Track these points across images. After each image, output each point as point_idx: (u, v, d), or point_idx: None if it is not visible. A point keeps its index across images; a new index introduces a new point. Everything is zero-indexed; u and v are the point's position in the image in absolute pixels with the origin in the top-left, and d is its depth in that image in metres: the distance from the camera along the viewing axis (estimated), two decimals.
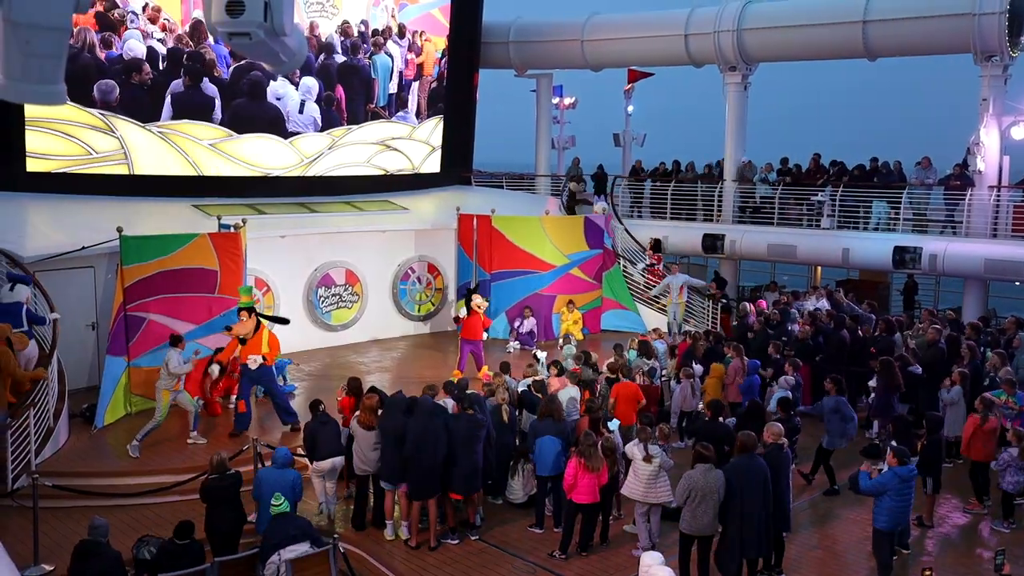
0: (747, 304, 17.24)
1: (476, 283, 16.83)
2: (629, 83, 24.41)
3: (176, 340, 12.08)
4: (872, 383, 13.09)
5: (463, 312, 15.56)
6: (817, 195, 19.78)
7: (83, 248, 13.66)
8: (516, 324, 18.47)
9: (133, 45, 16.22)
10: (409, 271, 19.06)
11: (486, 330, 16.00)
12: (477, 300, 15.56)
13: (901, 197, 19.05)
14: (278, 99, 18.46)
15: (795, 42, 20.12)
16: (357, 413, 10.22)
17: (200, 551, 8.34)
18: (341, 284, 17.90)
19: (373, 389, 10.69)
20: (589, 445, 9.23)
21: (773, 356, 13.83)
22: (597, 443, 9.39)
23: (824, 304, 17.21)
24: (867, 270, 21.62)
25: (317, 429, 10.11)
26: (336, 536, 9.02)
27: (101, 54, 15.86)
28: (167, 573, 7.84)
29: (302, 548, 8.16)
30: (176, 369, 11.75)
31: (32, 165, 15.33)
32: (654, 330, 15.92)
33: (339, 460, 10.18)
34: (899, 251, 18.20)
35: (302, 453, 10.45)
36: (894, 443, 9.47)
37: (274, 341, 12.70)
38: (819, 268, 22.71)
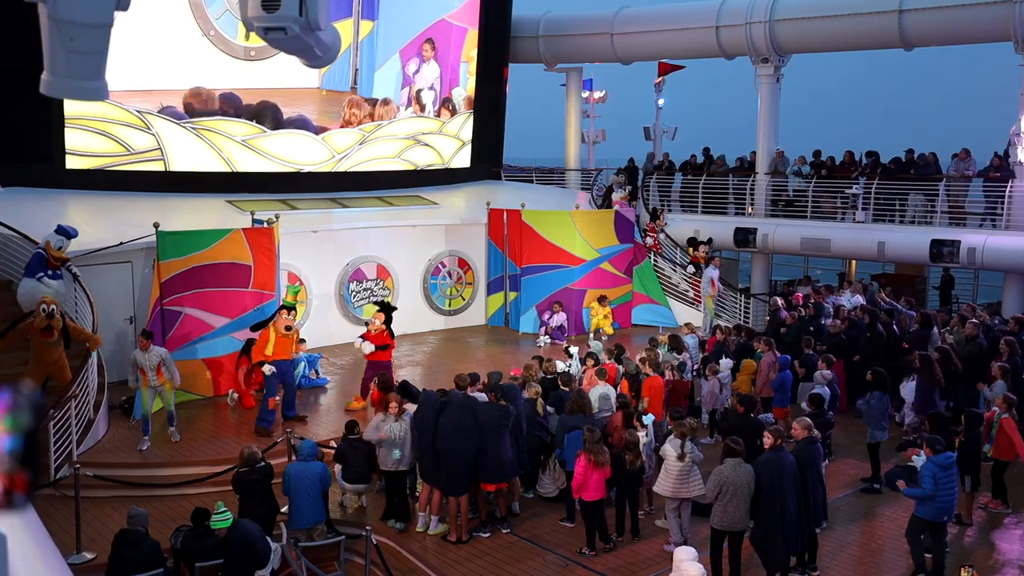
0: (777, 298, 17.10)
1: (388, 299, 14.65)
2: (660, 76, 24.26)
3: (147, 335, 11.92)
4: (904, 384, 12.89)
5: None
6: (851, 188, 19.53)
7: (121, 243, 13.89)
8: (546, 318, 18.47)
9: None
10: (440, 266, 19.13)
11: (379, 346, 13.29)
12: (375, 323, 13.25)
13: (938, 189, 18.75)
14: None
15: (829, 33, 19.85)
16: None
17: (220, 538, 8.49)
18: (372, 279, 18.02)
19: (404, 384, 10.75)
20: (595, 442, 9.20)
21: (806, 352, 13.70)
22: (602, 438, 9.37)
23: (858, 299, 17.01)
24: (903, 264, 21.32)
25: (347, 452, 10.16)
26: (368, 528, 9.11)
27: None
28: (203, 562, 7.99)
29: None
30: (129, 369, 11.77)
31: (72, 162, 15.61)
32: (686, 325, 15.84)
33: (365, 487, 10.34)
34: (936, 244, 17.91)
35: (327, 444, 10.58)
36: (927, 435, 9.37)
37: (282, 342, 12.54)
38: (853, 262, 22.44)
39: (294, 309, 13.09)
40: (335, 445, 10.66)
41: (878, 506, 10.75)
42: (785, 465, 8.41)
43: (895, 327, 14.70)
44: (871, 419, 11.31)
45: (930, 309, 17.48)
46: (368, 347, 12.91)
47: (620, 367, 12.60)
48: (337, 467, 10.31)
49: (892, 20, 18.70)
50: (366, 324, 13.71)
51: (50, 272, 12.32)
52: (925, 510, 8.63)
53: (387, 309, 13.40)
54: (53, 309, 11.24)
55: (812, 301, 16.36)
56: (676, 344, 13.63)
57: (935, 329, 14.63)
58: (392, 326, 13.32)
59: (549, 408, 10.82)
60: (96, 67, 3.61)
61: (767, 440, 8.69)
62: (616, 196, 20.96)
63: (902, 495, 9.26)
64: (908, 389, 12.82)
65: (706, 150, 23.22)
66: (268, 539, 8.36)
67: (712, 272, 18.65)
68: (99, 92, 3.76)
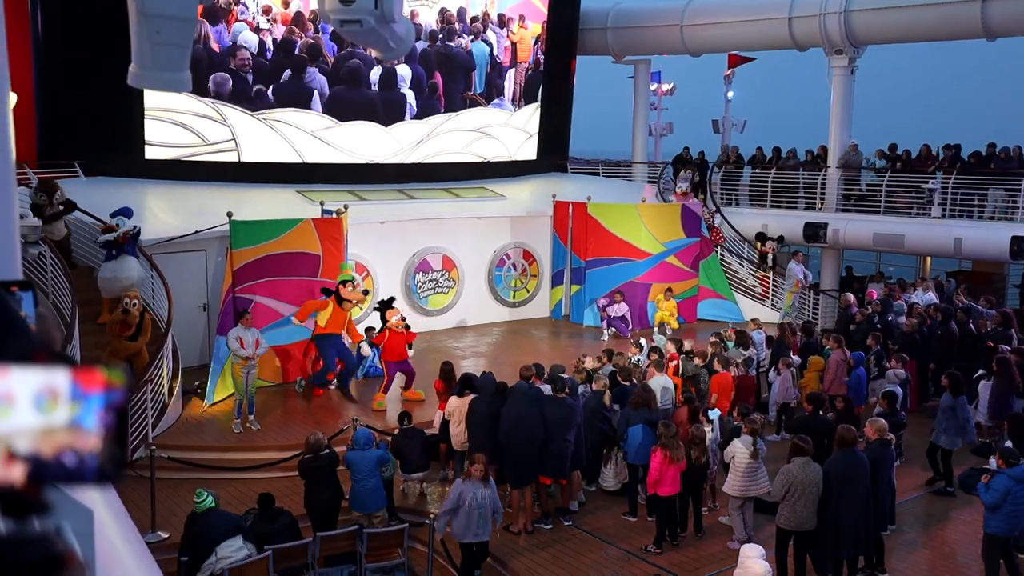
0: (849, 294, 16.73)
1: (390, 296, 14.39)
2: (729, 68, 23.87)
3: (240, 315, 12.29)
4: (982, 384, 12.46)
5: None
6: (928, 182, 18.95)
7: (196, 232, 14.28)
8: (603, 303, 18.19)
9: (247, 37, 16.83)
10: (504, 257, 19.19)
11: (409, 346, 13.40)
12: (394, 318, 13.18)
13: (1020, 184, 18.05)
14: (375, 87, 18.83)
15: (907, 23, 19.25)
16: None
17: (293, 521, 8.68)
18: (438, 270, 18.18)
19: (466, 376, 10.81)
20: (671, 436, 9.12)
21: (873, 348, 13.35)
22: (678, 433, 9.29)
23: (931, 296, 16.52)
24: (981, 261, 20.61)
25: (402, 443, 10.28)
26: (431, 516, 9.23)
27: (215, 46, 16.50)
28: (271, 545, 8.19)
29: (236, 544, 7.97)
30: (234, 346, 11.95)
31: (150, 153, 16.10)
32: (753, 320, 15.61)
33: (423, 475, 10.47)
34: (1017, 241, 17.26)
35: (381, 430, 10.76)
36: (1008, 444, 9.03)
37: (337, 316, 12.84)
38: (928, 259, 21.78)
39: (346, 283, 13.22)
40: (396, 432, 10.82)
41: (951, 510, 10.45)
42: (857, 465, 8.23)
43: (971, 326, 14.23)
44: (949, 426, 10.91)
45: (1008, 308, 16.87)
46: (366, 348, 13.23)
47: (682, 356, 12.50)
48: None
49: (975, 9, 18.03)
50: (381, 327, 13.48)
51: (125, 247, 12.71)
52: (995, 524, 8.32)
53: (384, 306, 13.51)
54: (134, 304, 11.65)
55: (882, 297, 15.97)
56: (742, 339, 13.44)
57: (1014, 329, 14.12)
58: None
59: (614, 406, 10.78)
60: (180, 59, 3.74)
61: (871, 433, 8.57)
62: (679, 189, 20.72)
63: (976, 499, 8.99)
64: (984, 389, 12.40)
65: (776, 150, 22.70)
66: (240, 539, 8.10)
67: (796, 268, 18.38)
68: (183, 83, 3.90)
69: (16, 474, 0.85)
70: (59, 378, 0.88)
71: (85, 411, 0.88)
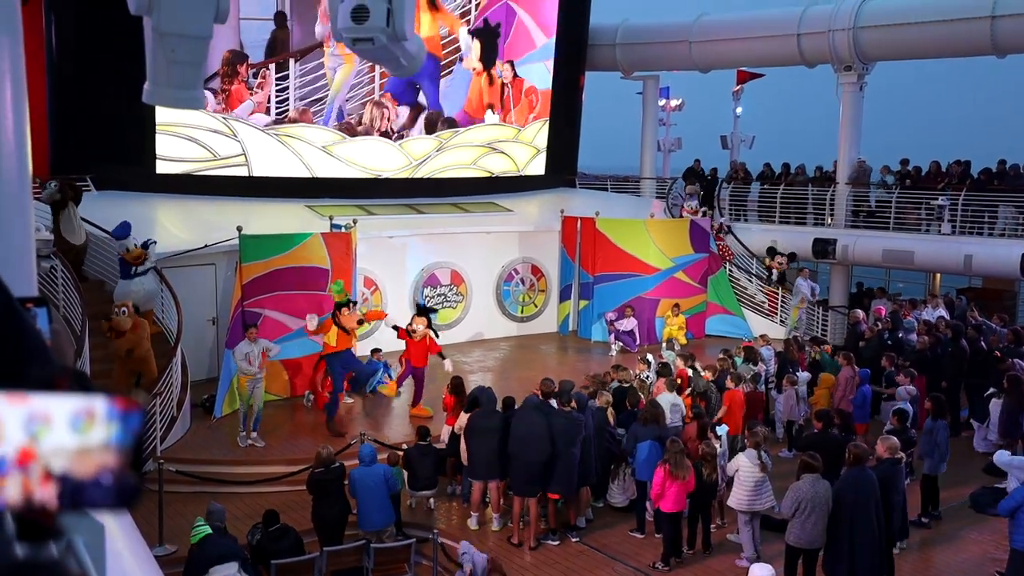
0: (858, 311, 16.68)
1: (424, 304, 14.70)
2: (738, 84, 23.92)
3: (245, 328, 12.29)
4: (992, 402, 12.39)
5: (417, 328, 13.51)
6: (937, 199, 18.91)
7: (205, 246, 14.34)
8: (612, 317, 18.16)
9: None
10: (513, 272, 19.22)
11: (441, 355, 13.54)
12: (414, 324, 13.42)
13: None
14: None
15: (916, 40, 19.27)
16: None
17: (297, 537, 8.66)
18: (446, 284, 18.20)
19: (478, 390, 10.79)
20: (676, 452, 9.08)
21: (887, 368, 13.26)
22: (683, 450, 9.26)
23: (942, 313, 16.45)
24: (991, 278, 20.54)
25: (415, 457, 10.29)
26: (435, 531, 9.21)
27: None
28: (279, 560, 8.18)
29: (231, 570, 7.71)
30: (241, 362, 11.90)
31: (161, 167, 16.21)
32: (761, 336, 15.57)
33: (432, 492, 10.47)
34: None
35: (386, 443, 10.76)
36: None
37: (345, 334, 12.88)
38: (938, 275, 21.71)
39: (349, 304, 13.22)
40: (406, 447, 10.81)
41: (962, 529, 10.37)
42: (867, 484, 8.19)
43: (983, 344, 14.16)
44: (928, 450, 10.66)
45: (1020, 325, 16.78)
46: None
47: (691, 372, 12.47)
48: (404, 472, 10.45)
49: (984, 26, 18.04)
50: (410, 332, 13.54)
51: (135, 269, 12.79)
52: (1021, 541, 8.23)
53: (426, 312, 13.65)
54: (123, 311, 11.69)
55: (889, 314, 15.91)
56: (751, 355, 13.41)
57: None
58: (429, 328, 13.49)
59: (619, 430, 10.74)
60: (194, 78, 3.79)
61: (882, 451, 8.55)
62: (687, 205, 20.71)
63: (988, 518, 8.92)
64: (995, 408, 12.33)
65: (785, 166, 22.70)
66: (236, 566, 7.85)
67: (802, 284, 18.37)
68: (196, 101, 3.95)
69: (51, 496, 0.86)
70: (95, 399, 0.89)
71: (121, 431, 0.89)
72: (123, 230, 12.90)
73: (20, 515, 0.90)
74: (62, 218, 12.99)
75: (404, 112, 19.07)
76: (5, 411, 0.85)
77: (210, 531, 7.99)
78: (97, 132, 15.27)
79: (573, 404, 9.88)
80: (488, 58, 20.15)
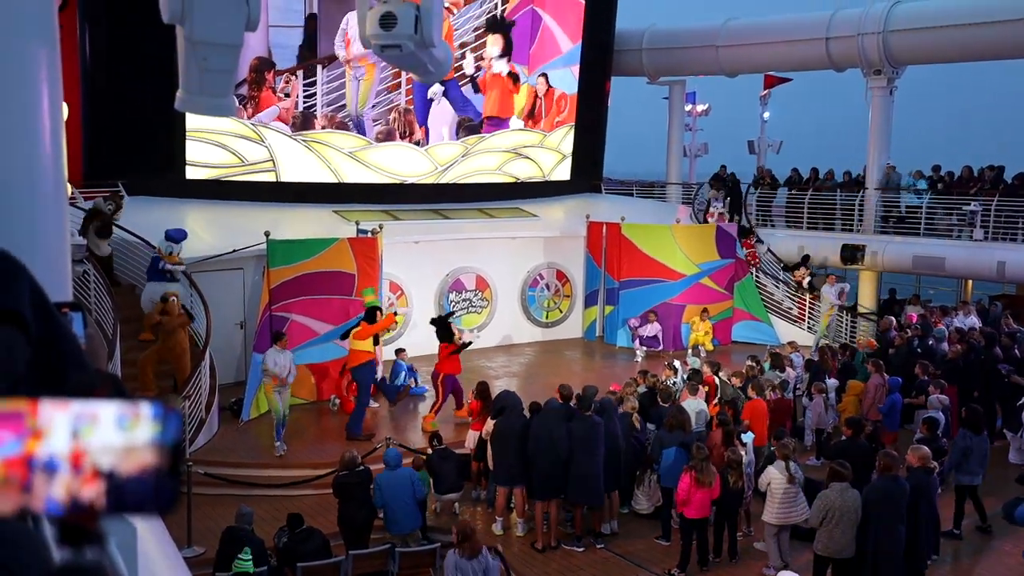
0: (890, 318, 16.48)
1: (449, 311, 14.92)
2: (766, 89, 23.77)
3: (277, 337, 12.29)
4: None
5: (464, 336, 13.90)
6: (969, 204, 18.65)
7: (233, 251, 14.49)
8: (635, 324, 18.10)
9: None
10: (538, 277, 19.21)
11: (460, 348, 13.62)
12: (460, 337, 13.63)
13: None
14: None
15: (948, 43, 18.97)
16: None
17: (324, 540, 8.71)
18: (471, 289, 18.24)
19: (504, 395, 10.80)
20: (701, 459, 9.01)
21: (920, 376, 13.05)
22: (709, 457, 9.19)
23: (975, 321, 16.21)
24: None
25: (436, 462, 10.30)
26: None
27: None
28: (305, 563, 8.23)
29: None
30: (271, 367, 11.90)
31: (191, 173, 16.40)
32: (789, 343, 15.43)
33: (457, 495, 10.47)
34: None
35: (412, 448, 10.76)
36: None
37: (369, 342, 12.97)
38: (970, 282, 21.41)
39: (380, 310, 13.34)
40: (429, 452, 10.83)
41: (993, 540, 10.20)
42: (898, 493, 8.08)
43: (1016, 352, 13.93)
44: (958, 461, 10.32)
45: None
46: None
47: (717, 379, 12.39)
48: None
49: (1019, 29, 17.68)
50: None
51: (167, 276, 13.02)
52: None
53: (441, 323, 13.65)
54: (173, 300, 11.99)
55: (920, 322, 15.69)
56: (777, 362, 13.29)
57: None
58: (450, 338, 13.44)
59: (650, 425, 10.70)
60: (226, 85, 3.85)
61: (913, 460, 8.40)
62: (714, 210, 20.60)
63: (1017, 528, 8.78)
64: None
65: (813, 171, 22.47)
66: None
67: (828, 291, 18.19)
68: (228, 108, 4.01)
69: (98, 495, 0.88)
70: (138, 401, 0.91)
71: (165, 431, 0.91)
72: (181, 233, 13.31)
73: (63, 519, 0.92)
74: (91, 230, 13.14)
75: (436, 117, 19.14)
76: (53, 413, 0.87)
77: (251, 570, 7.83)
78: (128, 139, 15.49)
79: (590, 412, 9.85)
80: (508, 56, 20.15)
